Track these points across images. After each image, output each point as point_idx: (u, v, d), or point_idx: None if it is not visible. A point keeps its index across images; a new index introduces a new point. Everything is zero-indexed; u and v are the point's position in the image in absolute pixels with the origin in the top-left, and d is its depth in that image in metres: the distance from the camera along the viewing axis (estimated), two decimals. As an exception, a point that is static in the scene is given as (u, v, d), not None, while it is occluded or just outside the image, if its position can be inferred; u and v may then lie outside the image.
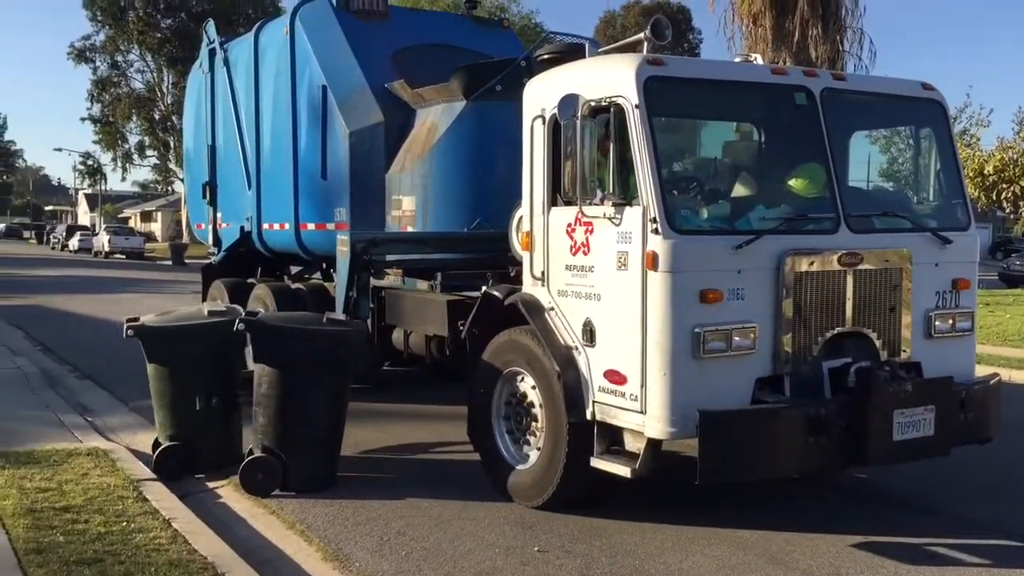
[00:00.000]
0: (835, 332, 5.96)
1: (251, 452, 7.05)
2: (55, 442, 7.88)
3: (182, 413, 7.43)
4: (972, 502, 6.96)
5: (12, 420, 8.88)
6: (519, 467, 6.64)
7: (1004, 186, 24.71)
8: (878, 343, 6.13)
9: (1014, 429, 7.83)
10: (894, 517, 6.56)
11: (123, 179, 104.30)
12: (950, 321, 6.49)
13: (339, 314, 7.52)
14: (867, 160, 7.31)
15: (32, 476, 6.71)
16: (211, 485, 7.19)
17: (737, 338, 5.62)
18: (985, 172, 24.42)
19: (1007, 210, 27.81)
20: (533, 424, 6.56)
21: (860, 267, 6.01)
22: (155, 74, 62.50)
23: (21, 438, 8.01)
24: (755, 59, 7.28)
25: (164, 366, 7.47)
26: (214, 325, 7.49)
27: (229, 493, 6.96)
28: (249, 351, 7.25)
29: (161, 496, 6.51)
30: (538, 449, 6.48)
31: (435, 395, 10.31)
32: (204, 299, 12.14)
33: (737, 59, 7.26)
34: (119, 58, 62.70)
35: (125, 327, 7.40)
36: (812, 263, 5.85)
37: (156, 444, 7.58)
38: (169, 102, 60.41)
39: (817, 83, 6.31)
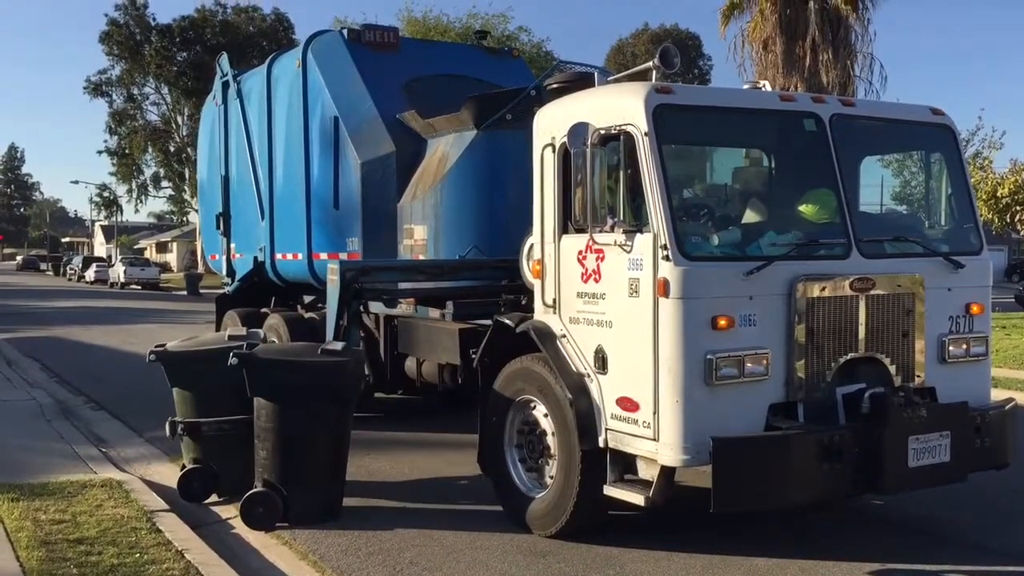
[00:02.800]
0: (848, 358, 5.94)
1: (255, 485, 7.04)
2: (69, 473, 7.90)
3: (203, 437, 7.53)
4: (989, 528, 6.89)
5: (27, 451, 8.92)
6: (532, 495, 6.61)
7: (1018, 208, 24.57)
8: (892, 368, 6.09)
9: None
10: (910, 544, 6.48)
11: (136, 211, 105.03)
12: (964, 346, 6.45)
13: (336, 343, 7.47)
14: (878, 185, 7.31)
15: (46, 508, 6.72)
16: (225, 516, 7.18)
17: (749, 364, 5.60)
18: (999, 194, 24.29)
19: (1022, 232, 27.66)
20: (545, 452, 6.54)
21: (872, 292, 5.99)
22: (171, 106, 63.18)
23: (36, 469, 8.03)
24: (764, 86, 7.31)
25: (186, 390, 7.64)
26: (233, 350, 7.55)
27: (242, 524, 6.94)
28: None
29: (175, 527, 6.50)
30: (551, 477, 6.46)
31: (448, 423, 10.29)
32: (218, 329, 12.18)
33: (746, 86, 7.28)
34: (135, 91, 63.44)
35: (149, 354, 7.62)
36: (824, 289, 5.83)
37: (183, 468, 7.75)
38: (184, 134, 61.01)
39: (826, 109, 6.32)
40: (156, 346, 7.76)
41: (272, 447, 6.86)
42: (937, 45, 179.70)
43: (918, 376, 6.21)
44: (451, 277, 8.82)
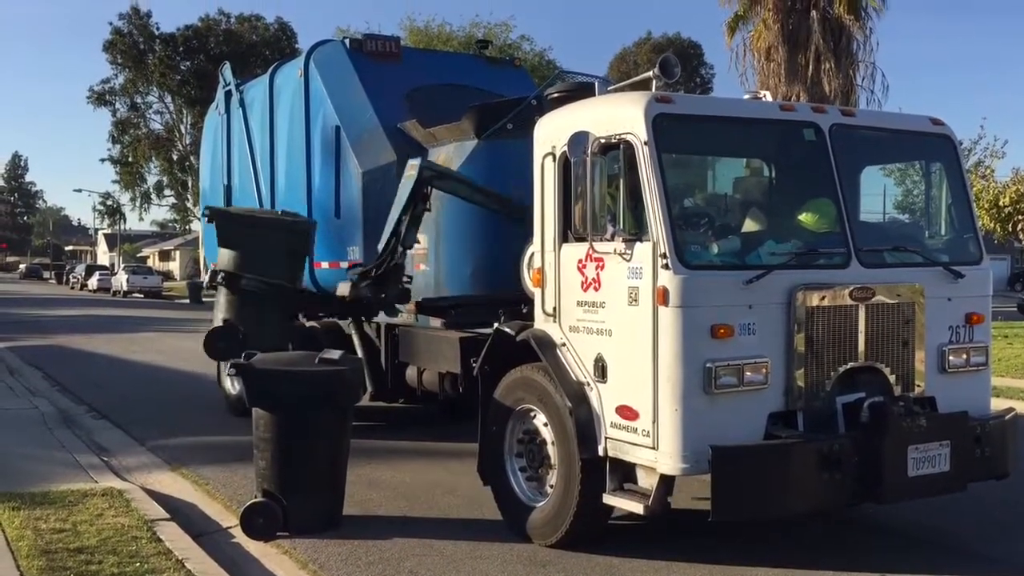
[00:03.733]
0: (848, 367, 5.94)
1: (254, 495, 7.04)
2: (70, 482, 7.90)
3: (241, 290, 9.03)
4: (990, 538, 6.87)
5: (29, 460, 8.93)
6: (532, 504, 6.61)
7: (1020, 217, 24.61)
8: (892, 378, 6.09)
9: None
10: (911, 553, 6.47)
11: (140, 219, 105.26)
12: (964, 355, 6.45)
13: (334, 352, 7.40)
14: (879, 194, 7.32)
15: (47, 517, 6.73)
16: (225, 525, 7.19)
17: (749, 373, 5.60)
18: (1001, 204, 24.33)
19: (1024, 241, 27.69)
20: (546, 461, 6.53)
21: (872, 301, 6.00)
22: (174, 115, 63.27)
23: (37, 478, 8.04)
24: (764, 95, 7.31)
25: (232, 248, 8.97)
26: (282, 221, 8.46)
27: (242, 533, 6.94)
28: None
29: (175, 536, 6.51)
30: (551, 486, 6.45)
31: (448, 432, 10.28)
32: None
33: (746, 96, 7.29)
34: (138, 100, 63.57)
35: (203, 212, 9.45)
36: (823, 298, 5.84)
37: None
38: (188, 142, 61.07)
39: (826, 119, 6.34)
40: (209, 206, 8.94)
41: (271, 457, 6.85)
42: (939, 54, 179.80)
43: (918, 386, 6.21)
44: (514, 218, 8.56)
